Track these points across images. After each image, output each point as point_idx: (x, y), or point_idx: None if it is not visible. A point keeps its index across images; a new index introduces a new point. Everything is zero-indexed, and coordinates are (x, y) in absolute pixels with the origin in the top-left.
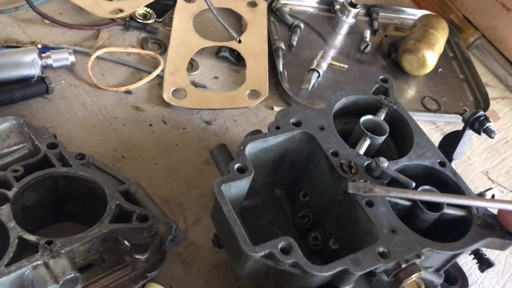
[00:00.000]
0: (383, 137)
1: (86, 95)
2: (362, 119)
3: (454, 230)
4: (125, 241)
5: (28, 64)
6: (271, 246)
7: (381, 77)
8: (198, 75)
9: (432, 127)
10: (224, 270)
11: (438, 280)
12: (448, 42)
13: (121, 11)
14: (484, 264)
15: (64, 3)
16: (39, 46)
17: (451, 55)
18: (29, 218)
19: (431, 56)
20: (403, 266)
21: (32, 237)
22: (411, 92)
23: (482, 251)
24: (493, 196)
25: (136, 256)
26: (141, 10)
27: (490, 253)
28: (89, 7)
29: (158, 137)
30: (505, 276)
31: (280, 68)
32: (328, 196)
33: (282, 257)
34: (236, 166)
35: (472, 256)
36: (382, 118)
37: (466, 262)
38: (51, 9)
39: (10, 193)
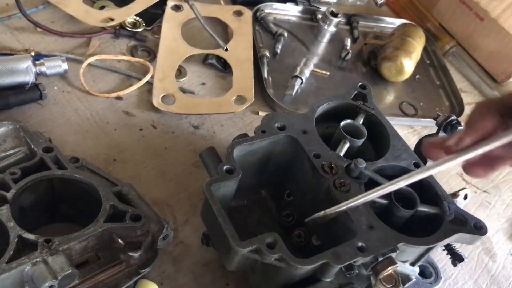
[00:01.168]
0: (362, 140)
1: (78, 101)
2: (342, 123)
3: (427, 227)
4: (119, 239)
5: (23, 71)
6: (258, 241)
7: (360, 84)
8: (186, 81)
9: (410, 131)
10: (212, 267)
11: (413, 273)
12: (425, 49)
13: (112, 20)
14: (457, 258)
15: (56, 12)
16: (33, 53)
17: (428, 62)
18: (26, 219)
19: (408, 64)
20: (380, 259)
21: (31, 236)
22: (389, 97)
23: (454, 246)
24: (466, 196)
25: (130, 254)
26: (130, 19)
27: (464, 250)
28: (81, 16)
29: (148, 141)
30: (477, 271)
31: (265, 74)
32: (310, 196)
33: (268, 252)
34: (225, 167)
35: (446, 251)
36: (360, 122)
37: (441, 258)
38: (43, 17)
39: (9, 195)
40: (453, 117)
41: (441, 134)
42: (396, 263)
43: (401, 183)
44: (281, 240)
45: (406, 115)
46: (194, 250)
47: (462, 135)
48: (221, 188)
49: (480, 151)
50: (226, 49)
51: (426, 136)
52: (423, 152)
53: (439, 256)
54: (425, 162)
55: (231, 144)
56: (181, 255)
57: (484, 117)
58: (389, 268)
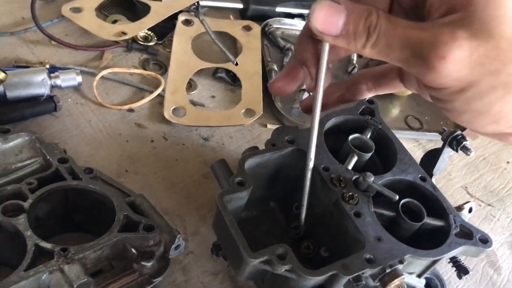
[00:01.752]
0: (369, 154)
1: (92, 112)
2: (350, 137)
3: (434, 239)
4: (133, 249)
5: (38, 83)
6: (269, 252)
7: (367, 98)
8: (196, 94)
9: (415, 144)
10: (221, 277)
11: (419, 285)
12: None
13: (124, 33)
14: (462, 271)
15: (70, 25)
16: (48, 66)
17: None
18: (41, 228)
19: None
20: (387, 271)
21: (47, 245)
22: (395, 111)
23: (459, 259)
24: (470, 209)
25: (143, 263)
26: (142, 33)
27: (469, 263)
28: (94, 30)
29: (159, 152)
30: (482, 284)
31: None
32: (319, 208)
33: (279, 263)
34: (236, 180)
35: (451, 264)
36: (368, 136)
37: (446, 270)
38: (57, 31)
39: (26, 204)
40: (458, 132)
41: (447, 148)
42: (403, 275)
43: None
44: (292, 251)
45: (411, 128)
46: (203, 260)
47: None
48: (233, 200)
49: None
50: (236, 64)
51: (431, 150)
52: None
53: (444, 268)
54: (431, 176)
55: (243, 157)
56: (190, 265)
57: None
58: (396, 280)
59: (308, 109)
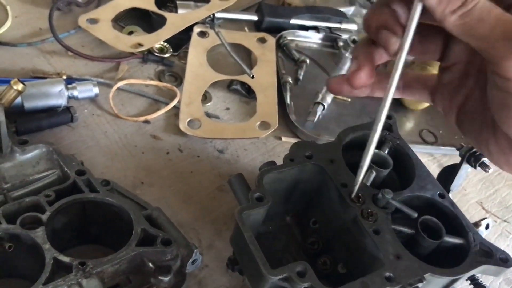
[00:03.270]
0: (387, 170)
1: (108, 124)
2: None
3: (453, 257)
4: (150, 263)
5: (56, 94)
6: (288, 269)
7: None
8: (211, 106)
9: (430, 158)
10: None
11: None
12: None
13: (141, 45)
14: None
15: (86, 36)
16: (64, 77)
17: None
18: (57, 240)
19: None
20: None
21: (66, 258)
22: (409, 125)
23: (477, 277)
24: (487, 225)
25: (160, 278)
26: (158, 44)
27: (485, 280)
28: (110, 41)
29: (174, 164)
30: None
31: (288, 100)
32: (337, 224)
33: (299, 280)
34: (255, 195)
35: (469, 282)
36: (386, 152)
37: (463, 287)
38: (74, 41)
39: (44, 217)
40: None
41: (465, 165)
42: None
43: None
44: (311, 269)
45: (426, 142)
46: (218, 274)
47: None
48: (251, 215)
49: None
50: (253, 77)
51: (448, 166)
52: (330, 91)
53: (460, 285)
54: (448, 191)
55: (261, 172)
56: (206, 279)
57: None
58: None
59: (337, 89)
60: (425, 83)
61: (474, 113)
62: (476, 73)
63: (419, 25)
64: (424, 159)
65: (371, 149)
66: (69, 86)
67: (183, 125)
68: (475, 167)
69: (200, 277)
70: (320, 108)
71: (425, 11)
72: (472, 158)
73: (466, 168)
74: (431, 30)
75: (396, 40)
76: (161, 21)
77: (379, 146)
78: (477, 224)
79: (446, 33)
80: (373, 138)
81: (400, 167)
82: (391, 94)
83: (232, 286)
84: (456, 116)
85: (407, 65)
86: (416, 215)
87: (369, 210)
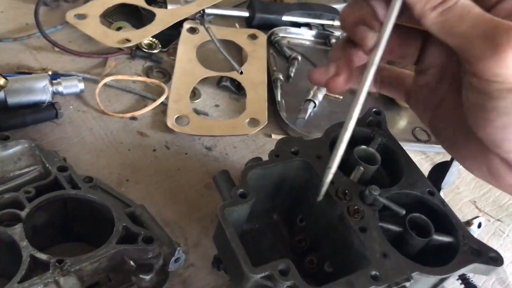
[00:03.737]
0: (375, 167)
1: (93, 120)
2: (356, 149)
3: (442, 256)
4: (131, 262)
5: (40, 90)
6: (270, 267)
7: (374, 109)
8: (200, 103)
9: (423, 157)
10: None
11: None
12: None
13: (129, 41)
14: None
15: (73, 32)
16: (50, 72)
17: None
18: (38, 238)
19: None
20: None
21: (43, 256)
22: (402, 123)
23: (468, 276)
24: (479, 224)
25: (141, 276)
26: (146, 40)
27: (478, 280)
28: (98, 36)
29: (161, 162)
30: None
31: (278, 98)
32: (323, 221)
33: (281, 278)
34: (238, 192)
35: (460, 281)
36: (374, 148)
37: (454, 287)
38: (61, 37)
39: (23, 213)
40: None
41: (456, 162)
42: None
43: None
44: (294, 267)
45: (419, 140)
46: (204, 273)
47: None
48: (235, 212)
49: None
50: (241, 72)
51: (439, 163)
52: (311, 81)
53: (452, 285)
54: (439, 190)
55: (245, 168)
56: (191, 278)
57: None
58: None
59: (317, 80)
60: (402, 83)
61: (448, 117)
62: (451, 78)
63: (397, 28)
64: (417, 158)
65: (341, 150)
66: (54, 81)
67: (170, 122)
68: None
69: (185, 276)
70: (311, 105)
71: (404, 8)
72: None
73: (457, 165)
74: (409, 33)
75: (373, 36)
76: (151, 17)
77: (368, 142)
78: (469, 223)
79: (423, 36)
80: (343, 137)
81: (390, 163)
82: (365, 91)
83: (217, 286)
84: (429, 119)
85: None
86: (404, 212)
87: (356, 207)
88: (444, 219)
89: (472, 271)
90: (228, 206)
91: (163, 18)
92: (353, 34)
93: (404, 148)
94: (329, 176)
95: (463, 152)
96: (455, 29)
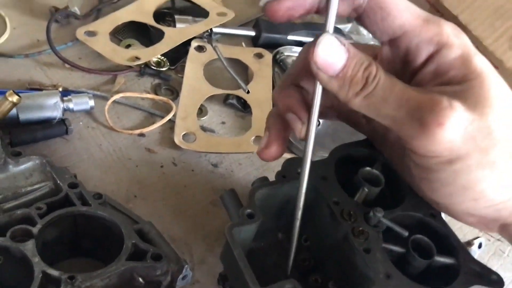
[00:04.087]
0: (379, 188)
1: (102, 136)
2: (360, 171)
3: (444, 277)
4: (140, 278)
5: (51, 106)
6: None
7: None
8: (207, 120)
9: None
10: None
11: None
12: None
13: (138, 58)
14: None
15: (83, 49)
16: (60, 89)
17: None
18: (48, 253)
19: None
20: None
21: (55, 272)
22: None
23: None
24: (480, 244)
25: None
26: (155, 58)
27: None
28: (108, 54)
29: (168, 178)
30: None
31: None
32: (328, 241)
33: None
34: (246, 212)
35: None
36: (378, 169)
37: None
38: (71, 54)
39: (34, 230)
40: None
41: None
42: None
43: None
44: (300, 286)
45: None
46: None
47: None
48: (242, 232)
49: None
50: (248, 92)
51: None
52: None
53: None
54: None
55: (253, 189)
56: None
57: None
58: None
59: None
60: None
61: (396, 143)
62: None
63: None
64: None
65: (299, 211)
66: (65, 98)
67: (178, 139)
68: None
69: None
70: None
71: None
72: None
73: None
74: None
75: (302, 127)
76: (159, 35)
77: (372, 163)
78: (469, 243)
79: None
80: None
81: (392, 184)
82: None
83: None
84: (379, 142)
85: None
86: (407, 234)
87: (360, 229)
88: (445, 240)
89: None
90: (236, 226)
91: (172, 37)
92: (285, 118)
93: None
94: (293, 247)
95: (450, 190)
96: (381, 111)
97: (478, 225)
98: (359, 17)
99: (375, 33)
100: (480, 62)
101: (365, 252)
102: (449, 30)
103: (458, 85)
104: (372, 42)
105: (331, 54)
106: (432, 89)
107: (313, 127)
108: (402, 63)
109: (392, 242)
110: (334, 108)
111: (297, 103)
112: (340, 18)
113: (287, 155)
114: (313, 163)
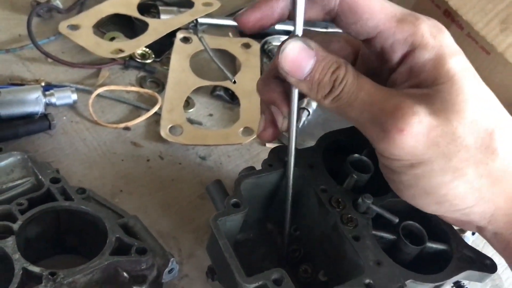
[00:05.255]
0: (368, 175)
1: (87, 131)
2: (349, 158)
3: (436, 263)
4: (124, 273)
5: (33, 101)
6: (264, 277)
7: None
8: (194, 112)
9: None
10: None
11: None
12: None
13: (122, 51)
14: None
15: (66, 43)
16: (43, 84)
17: None
18: (31, 250)
19: None
20: None
21: (36, 269)
22: None
23: (463, 283)
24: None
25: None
26: (140, 50)
27: (473, 286)
28: (91, 47)
29: (155, 172)
30: None
31: None
32: (317, 231)
33: None
34: (232, 201)
35: None
36: (367, 156)
37: None
38: (54, 48)
39: (15, 226)
40: None
41: None
42: None
43: None
44: (288, 276)
45: None
46: (199, 284)
47: None
48: (228, 222)
49: None
50: (234, 82)
51: None
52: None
53: None
54: None
55: (238, 178)
56: None
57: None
58: None
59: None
60: None
61: None
62: None
63: None
64: None
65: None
66: (47, 93)
67: (164, 132)
68: None
69: (179, 287)
70: (305, 113)
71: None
72: None
73: None
74: None
75: (284, 120)
76: (144, 27)
77: (360, 150)
78: (463, 230)
79: None
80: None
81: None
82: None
83: None
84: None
85: None
86: (397, 220)
87: (349, 216)
88: (437, 226)
89: (467, 278)
90: (221, 216)
91: (156, 28)
92: (269, 110)
93: None
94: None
95: (412, 192)
96: (348, 114)
97: (456, 224)
98: (333, 20)
99: (350, 34)
100: (455, 64)
101: (354, 239)
102: (425, 30)
103: (428, 88)
104: None
105: (298, 58)
106: (402, 92)
107: (294, 121)
108: (379, 62)
109: (383, 229)
110: None
111: (279, 97)
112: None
113: (273, 145)
114: (300, 151)
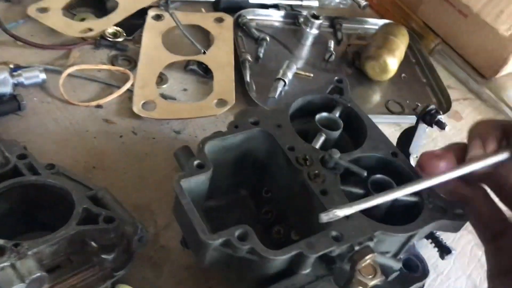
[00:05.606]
0: (338, 132)
1: (58, 110)
2: (317, 116)
3: (409, 217)
4: (92, 242)
5: (0, 82)
6: (228, 233)
7: (336, 78)
8: (167, 88)
9: (397, 128)
10: (194, 271)
11: (395, 265)
12: (410, 48)
13: (91, 30)
14: (444, 251)
15: (35, 26)
16: (12, 66)
17: (413, 60)
18: (1, 228)
19: (392, 61)
20: (356, 248)
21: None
22: (376, 97)
23: (441, 239)
24: None
25: (103, 256)
26: (111, 29)
27: (456, 245)
28: (60, 28)
29: (128, 147)
30: (470, 266)
31: (247, 78)
32: (287, 190)
33: (239, 244)
34: (195, 162)
35: (433, 245)
36: (337, 115)
37: (432, 254)
38: (23, 31)
39: None
40: (432, 106)
41: (421, 124)
42: (374, 252)
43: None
44: (253, 231)
45: (392, 113)
46: (175, 254)
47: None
48: (192, 183)
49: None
50: (204, 52)
51: (406, 128)
52: (420, 164)
53: (429, 252)
54: (407, 155)
55: (202, 140)
56: (161, 260)
57: (489, 134)
58: (366, 258)
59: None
60: None
61: None
62: None
63: None
64: (390, 129)
65: None
66: (14, 73)
67: (137, 108)
68: (431, 126)
69: (155, 259)
70: (281, 84)
71: None
72: (428, 117)
73: (423, 128)
74: None
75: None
76: (115, 6)
77: (331, 109)
78: None
79: None
80: None
81: (353, 129)
82: None
83: (189, 265)
84: None
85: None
86: (365, 173)
87: (316, 172)
88: (408, 178)
89: (440, 229)
90: (184, 177)
91: (126, 6)
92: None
93: (378, 120)
94: None
95: None
96: None
97: None
98: None
99: None
100: None
101: (321, 194)
102: None
103: None
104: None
105: None
106: None
107: None
108: None
109: (352, 185)
110: None
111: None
112: None
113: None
114: (268, 112)
